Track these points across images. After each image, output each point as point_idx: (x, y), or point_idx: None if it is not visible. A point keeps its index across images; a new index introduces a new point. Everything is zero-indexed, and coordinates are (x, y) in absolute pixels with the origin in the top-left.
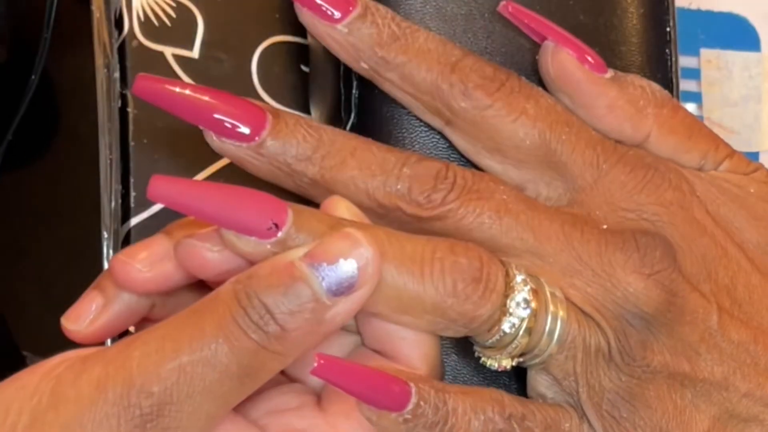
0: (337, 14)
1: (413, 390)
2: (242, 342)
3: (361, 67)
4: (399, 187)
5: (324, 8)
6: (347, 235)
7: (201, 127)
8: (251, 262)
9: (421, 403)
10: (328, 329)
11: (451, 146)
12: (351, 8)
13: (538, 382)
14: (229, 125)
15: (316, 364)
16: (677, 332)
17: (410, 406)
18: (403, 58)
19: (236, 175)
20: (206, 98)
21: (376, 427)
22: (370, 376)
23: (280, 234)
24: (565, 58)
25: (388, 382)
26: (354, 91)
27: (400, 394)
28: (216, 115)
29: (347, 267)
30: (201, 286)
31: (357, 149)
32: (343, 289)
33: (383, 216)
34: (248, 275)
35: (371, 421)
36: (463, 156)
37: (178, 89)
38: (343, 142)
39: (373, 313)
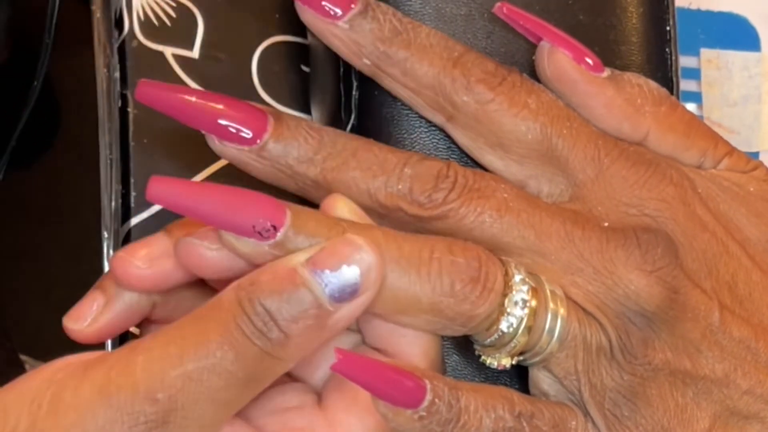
0: (339, 11)
1: (428, 387)
2: (247, 349)
3: (363, 63)
4: (400, 187)
5: (325, 6)
6: (350, 242)
7: (203, 132)
8: (250, 263)
9: (436, 400)
10: (331, 334)
11: (451, 147)
12: (352, 5)
13: (541, 379)
14: (232, 130)
15: (336, 360)
16: (679, 329)
17: (425, 403)
18: (405, 53)
19: (236, 175)
20: (209, 104)
21: (391, 425)
22: (387, 371)
23: (278, 235)
24: (560, 59)
25: (405, 378)
26: (354, 92)
27: (415, 391)
28: (219, 121)
29: (350, 274)
30: (201, 286)
31: (358, 150)
32: (345, 296)
33: (385, 216)
34: (250, 281)
35: (387, 419)
36: (463, 156)
37: (179, 95)
38: (345, 143)
39: (371, 313)
